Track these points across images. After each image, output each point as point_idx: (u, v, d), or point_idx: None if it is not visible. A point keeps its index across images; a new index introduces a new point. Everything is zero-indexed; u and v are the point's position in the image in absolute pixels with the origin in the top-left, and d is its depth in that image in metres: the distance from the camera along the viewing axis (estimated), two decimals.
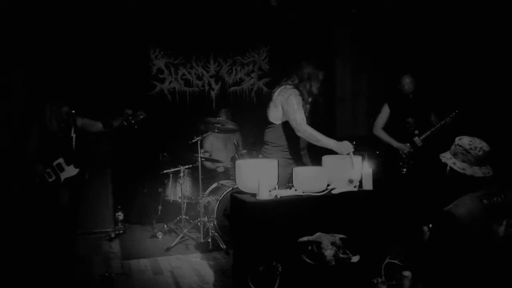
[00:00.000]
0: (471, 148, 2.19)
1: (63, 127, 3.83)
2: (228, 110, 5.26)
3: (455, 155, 2.24)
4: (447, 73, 4.64)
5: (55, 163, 3.77)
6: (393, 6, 5.22)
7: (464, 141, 2.23)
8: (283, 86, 3.26)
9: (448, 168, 2.28)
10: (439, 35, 4.76)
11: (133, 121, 3.81)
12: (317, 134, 3.11)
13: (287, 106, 3.15)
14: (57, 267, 3.61)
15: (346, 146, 3.04)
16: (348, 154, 3.04)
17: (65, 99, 3.86)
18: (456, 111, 4.02)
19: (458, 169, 2.20)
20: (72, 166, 3.82)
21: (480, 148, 2.18)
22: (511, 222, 2.09)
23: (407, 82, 4.20)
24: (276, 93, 3.26)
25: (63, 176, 3.79)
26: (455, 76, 4.52)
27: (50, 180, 3.75)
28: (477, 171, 2.17)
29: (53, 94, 3.89)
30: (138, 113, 3.81)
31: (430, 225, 2.38)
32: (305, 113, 3.20)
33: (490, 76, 4.19)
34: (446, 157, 2.28)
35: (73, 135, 3.86)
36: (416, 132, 4.20)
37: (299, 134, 3.15)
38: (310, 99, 3.24)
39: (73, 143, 3.86)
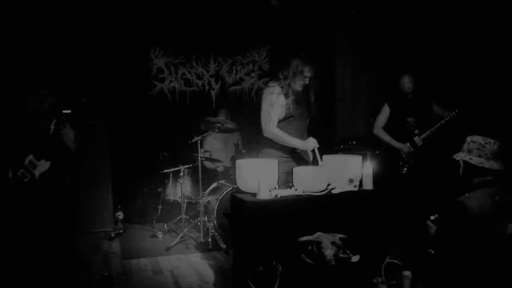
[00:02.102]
0: (486, 143, 2.26)
1: (44, 119, 3.69)
2: (227, 110, 5.25)
3: (469, 152, 2.30)
4: (446, 73, 4.64)
5: (26, 161, 3.59)
6: (393, 6, 5.22)
7: (478, 138, 2.31)
8: (267, 85, 3.34)
9: (461, 168, 2.34)
10: (438, 34, 4.76)
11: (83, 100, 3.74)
12: (283, 135, 3.18)
13: (262, 105, 3.23)
14: (57, 267, 3.61)
15: (310, 142, 3.15)
16: (312, 150, 3.14)
17: (65, 98, 3.84)
18: (456, 110, 4.03)
19: (475, 163, 2.25)
20: (43, 161, 3.65)
21: (494, 142, 2.26)
22: None
23: (406, 82, 4.20)
24: (261, 93, 3.34)
25: (37, 172, 3.64)
26: (455, 75, 4.52)
27: (26, 180, 3.59)
28: (494, 165, 2.23)
29: (53, 94, 3.86)
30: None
31: (434, 217, 2.40)
32: (288, 109, 3.23)
33: (490, 76, 4.19)
34: (461, 156, 2.33)
35: (53, 126, 3.68)
36: (416, 131, 4.20)
37: (265, 134, 3.23)
38: (292, 96, 3.24)
39: (50, 133, 3.67)
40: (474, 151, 2.27)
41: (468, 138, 2.34)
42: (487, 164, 2.22)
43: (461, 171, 2.35)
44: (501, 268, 2.11)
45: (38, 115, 3.72)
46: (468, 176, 2.31)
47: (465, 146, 2.34)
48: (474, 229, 2.10)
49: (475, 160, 2.25)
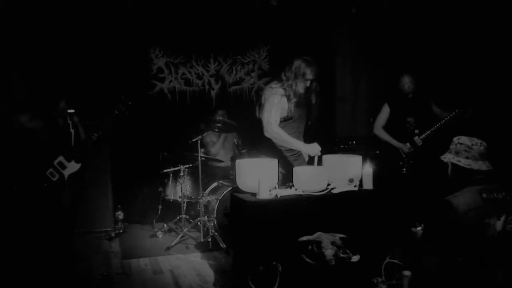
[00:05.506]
0: (473, 144, 2.28)
1: (61, 124, 3.84)
2: (225, 112, 5.20)
3: (457, 153, 2.31)
4: (446, 73, 4.65)
5: (55, 161, 3.77)
6: (393, 6, 5.22)
7: (464, 139, 2.33)
8: (269, 86, 3.31)
9: (449, 168, 2.36)
10: (439, 34, 4.76)
11: (123, 108, 3.93)
12: (284, 135, 3.17)
13: (265, 105, 3.21)
14: (57, 266, 3.61)
15: (314, 147, 3.11)
16: (315, 155, 3.09)
17: (65, 98, 3.87)
18: (456, 110, 4.03)
19: (464, 165, 2.27)
20: (73, 162, 3.83)
21: (481, 143, 2.29)
22: (510, 219, 2.14)
23: (407, 82, 4.21)
24: (263, 93, 3.31)
25: (67, 173, 3.80)
26: (455, 75, 4.53)
27: (54, 179, 3.75)
28: (482, 165, 2.25)
29: (52, 94, 3.89)
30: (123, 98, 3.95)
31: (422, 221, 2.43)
32: (289, 111, 3.22)
33: (489, 75, 4.19)
34: (449, 157, 2.35)
35: (72, 130, 3.87)
36: (416, 131, 4.20)
37: (266, 134, 3.21)
38: (294, 99, 3.22)
39: (72, 139, 3.87)
40: (462, 152, 2.29)
41: (455, 139, 2.36)
42: (475, 165, 2.25)
43: (449, 172, 2.37)
44: (493, 265, 2.13)
45: (57, 116, 3.85)
46: (456, 177, 2.33)
47: (452, 147, 2.36)
48: (462, 226, 2.12)
49: (463, 162, 2.27)
